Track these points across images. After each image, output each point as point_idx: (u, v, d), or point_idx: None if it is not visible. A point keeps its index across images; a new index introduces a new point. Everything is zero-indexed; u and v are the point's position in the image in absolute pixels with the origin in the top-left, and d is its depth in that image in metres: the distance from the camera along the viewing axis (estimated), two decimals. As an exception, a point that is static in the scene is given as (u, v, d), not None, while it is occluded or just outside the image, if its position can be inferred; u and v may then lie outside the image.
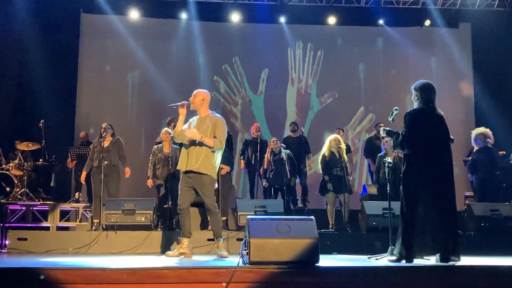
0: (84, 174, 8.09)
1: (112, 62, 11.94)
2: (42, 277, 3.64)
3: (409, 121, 5.09)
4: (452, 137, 5.22)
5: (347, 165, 8.18)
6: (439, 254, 4.81)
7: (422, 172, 4.94)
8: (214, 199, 5.80)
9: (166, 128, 8.42)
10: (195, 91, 5.85)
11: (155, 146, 8.34)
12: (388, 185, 5.78)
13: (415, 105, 5.18)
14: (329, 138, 8.26)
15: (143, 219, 7.19)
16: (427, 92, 5.13)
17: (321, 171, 8.24)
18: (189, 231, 5.76)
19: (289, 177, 8.40)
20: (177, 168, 5.83)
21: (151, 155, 8.25)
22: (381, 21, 12.20)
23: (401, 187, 5.11)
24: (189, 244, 5.74)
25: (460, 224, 7.88)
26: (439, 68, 12.55)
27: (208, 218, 5.95)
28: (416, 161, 5.00)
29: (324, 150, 8.17)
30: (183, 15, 11.91)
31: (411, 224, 4.91)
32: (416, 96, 5.17)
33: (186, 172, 5.66)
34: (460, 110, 12.21)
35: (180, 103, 5.72)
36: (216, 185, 6.29)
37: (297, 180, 9.23)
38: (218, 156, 5.77)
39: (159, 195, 8.12)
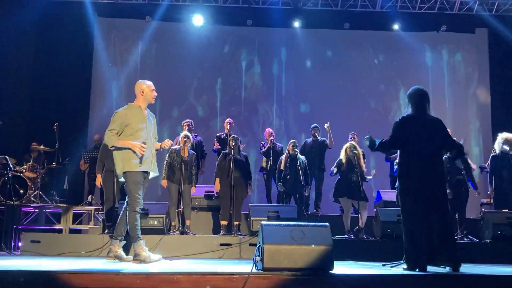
0: (99, 177, 7.76)
1: (126, 65, 11.97)
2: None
3: (395, 128, 5.04)
4: (460, 143, 5.16)
5: (363, 170, 8.09)
6: (449, 262, 4.71)
7: (415, 178, 4.87)
8: None
9: (185, 132, 8.30)
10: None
11: (173, 148, 8.14)
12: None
13: (406, 112, 5.13)
14: (345, 146, 8.17)
15: (156, 223, 7.17)
16: (416, 98, 5.08)
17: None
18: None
19: (302, 183, 8.33)
20: (151, 170, 5.54)
21: (167, 155, 8.09)
22: (396, 26, 12.09)
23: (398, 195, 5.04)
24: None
25: (476, 231, 7.84)
26: (455, 74, 12.40)
27: (126, 216, 5.51)
28: (407, 167, 4.95)
29: (341, 157, 8.08)
30: (197, 19, 11.98)
31: (412, 233, 4.82)
32: (408, 102, 5.14)
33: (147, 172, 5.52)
34: (476, 116, 12.06)
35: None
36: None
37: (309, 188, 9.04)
38: None
39: (172, 198, 7.95)
